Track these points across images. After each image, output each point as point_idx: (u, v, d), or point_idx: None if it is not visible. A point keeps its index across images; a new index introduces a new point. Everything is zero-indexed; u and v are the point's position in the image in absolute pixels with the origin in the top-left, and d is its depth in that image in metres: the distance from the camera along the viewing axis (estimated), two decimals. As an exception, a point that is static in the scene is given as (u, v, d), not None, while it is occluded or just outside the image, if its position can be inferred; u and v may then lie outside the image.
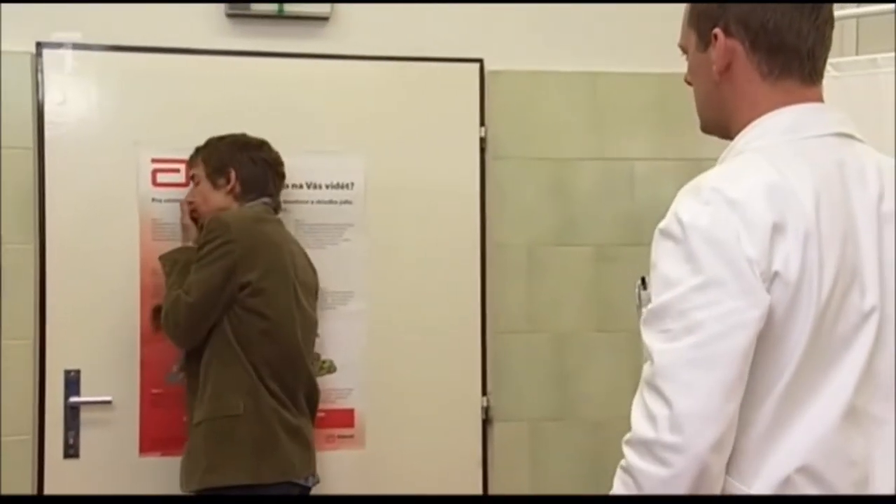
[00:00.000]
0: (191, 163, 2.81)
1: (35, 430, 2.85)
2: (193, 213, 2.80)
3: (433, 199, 3.11)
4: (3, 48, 2.84)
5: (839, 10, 2.68)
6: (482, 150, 3.15)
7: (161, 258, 2.76)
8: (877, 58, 2.54)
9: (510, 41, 3.18)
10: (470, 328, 3.13)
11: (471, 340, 3.13)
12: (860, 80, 2.52)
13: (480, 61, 3.14)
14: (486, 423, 3.14)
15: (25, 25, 2.88)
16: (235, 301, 2.59)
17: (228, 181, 2.74)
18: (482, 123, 3.14)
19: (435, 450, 3.09)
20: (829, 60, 2.70)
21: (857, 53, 2.97)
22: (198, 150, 2.80)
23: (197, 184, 2.77)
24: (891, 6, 2.55)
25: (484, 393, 3.14)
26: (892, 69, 2.49)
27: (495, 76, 3.16)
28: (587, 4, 3.19)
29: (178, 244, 2.84)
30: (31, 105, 2.88)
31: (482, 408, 3.13)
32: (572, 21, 3.20)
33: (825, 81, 2.73)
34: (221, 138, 2.79)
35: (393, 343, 3.08)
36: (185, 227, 2.84)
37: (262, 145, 2.81)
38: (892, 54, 2.51)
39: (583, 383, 3.18)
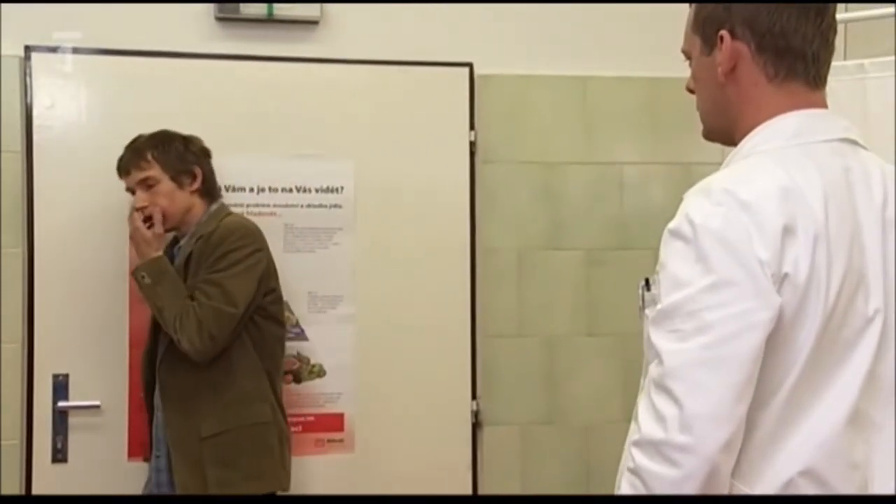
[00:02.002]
0: (136, 166, 2.63)
1: (23, 434, 2.85)
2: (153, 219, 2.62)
3: (423, 202, 3.11)
4: (-9, 52, 2.85)
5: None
6: (472, 154, 3.15)
7: (140, 269, 2.57)
8: (864, 63, 2.54)
9: (500, 45, 3.18)
10: (460, 332, 3.13)
11: (461, 344, 3.13)
12: (847, 84, 2.52)
13: (470, 65, 3.14)
14: (476, 426, 3.14)
15: (14, 29, 2.87)
16: (258, 308, 2.60)
17: (195, 180, 2.68)
18: (472, 127, 3.15)
19: (425, 453, 3.09)
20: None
21: (844, 58, 2.98)
22: (136, 152, 2.63)
23: (151, 186, 2.62)
24: (879, 11, 2.56)
25: (474, 397, 3.14)
26: (880, 74, 2.49)
27: (485, 80, 3.16)
28: (577, 8, 3.19)
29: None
30: (19, 108, 2.88)
31: (472, 412, 3.13)
32: (562, 25, 3.21)
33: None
34: (164, 137, 2.66)
35: (382, 347, 3.08)
36: (156, 237, 2.60)
37: (199, 140, 2.74)
38: (880, 59, 2.52)
39: (573, 387, 3.18)
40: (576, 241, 3.20)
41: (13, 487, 2.82)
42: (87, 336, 2.88)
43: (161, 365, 2.60)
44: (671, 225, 1.29)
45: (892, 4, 2.52)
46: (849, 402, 1.26)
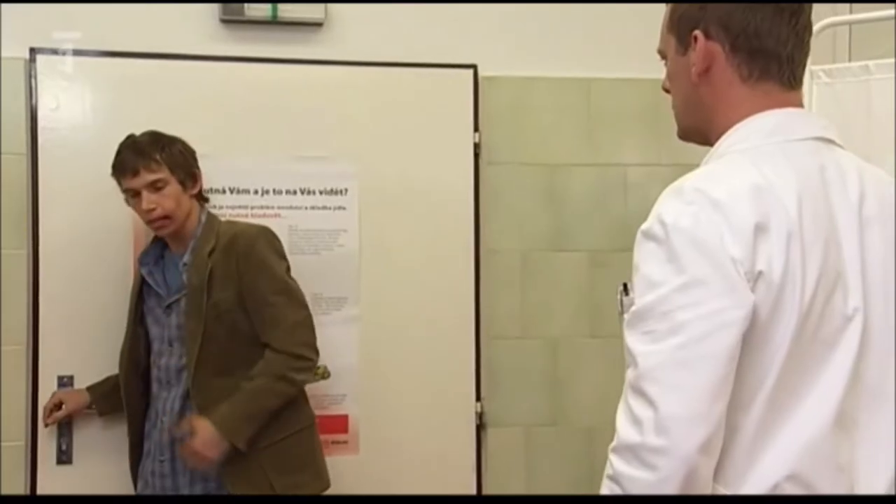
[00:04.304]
0: (147, 168, 2.57)
1: (28, 436, 2.85)
2: (166, 220, 2.60)
3: (427, 204, 3.11)
4: (-3, 54, 2.85)
5: (832, 17, 2.70)
6: (476, 156, 3.15)
7: (237, 440, 2.48)
8: (869, 64, 2.55)
9: (504, 47, 3.19)
10: (464, 333, 3.13)
11: (465, 346, 3.13)
12: (852, 86, 2.53)
13: (474, 67, 3.15)
14: (480, 428, 3.14)
15: (19, 31, 2.88)
16: None
17: (195, 183, 2.68)
18: (476, 129, 3.15)
19: (429, 455, 3.09)
20: (822, 67, 2.72)
21: (849, 60, 2.98)
22: (142, 153, 2.58)
23: (160, 189, 2.58)
24: (883, 13, 2.56)
25: (478, 398, 3.14)
26: (884, 76, 2.50)
27: (489, 82, 3.16)
28: (580, 10, 3.20)
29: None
30: (24, 111, 2.88)
31: (476, 413, 3.14)
32: (566, 27, 3.21)
33: (817, 88, 2.75)
34: (164, 138, 2.64)
35: (387, 348, 3.08)
36: (210, 444, 2.50)
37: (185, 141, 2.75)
38: (885, 61, 2.52)
39: (576, 389, 3.18)
40: (579, 243, 3.21)
41: (18, 489, 2.82)
42: (92, 338, 2.88)
43: (194, 383, 2.56)
44: (644, 226, 1.29)
45: (894, 5, 2.52)
46: (833, 403, 1.25)
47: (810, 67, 2.57)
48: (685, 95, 1.44)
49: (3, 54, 2.86)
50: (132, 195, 2.62)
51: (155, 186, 2.59)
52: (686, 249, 1.22)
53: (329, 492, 2.97)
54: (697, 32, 1.38)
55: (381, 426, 3.06)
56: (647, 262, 1.26)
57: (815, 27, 2.56)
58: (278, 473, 2.58)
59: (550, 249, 3.20)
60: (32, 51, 2.89)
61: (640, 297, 1.24)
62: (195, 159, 2.70)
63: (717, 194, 1.24)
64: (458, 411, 3.13)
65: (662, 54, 1.48)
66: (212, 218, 2.71)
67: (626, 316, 1.30)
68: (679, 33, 1.42)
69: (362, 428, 3.06)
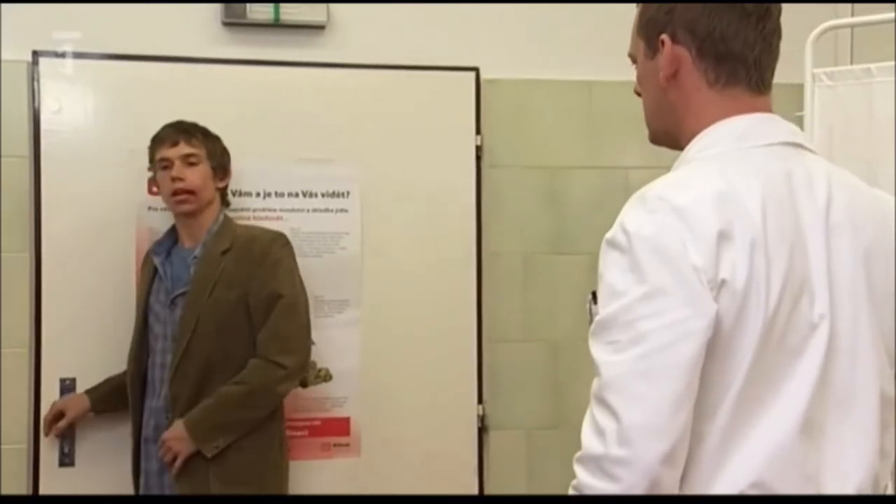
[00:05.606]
0: (187, 141, 2.68)
1: (30, 438, 2.85)
2: (190, 195, 2.65)
3: (429, 207, 3.11)
4: (-1, 57, 2.85)
5: (834, 20, 2.70)
6: (478, 159, 3.16)
7: (208, 445, 2.52)
8: (870, 67, 2.55)
9: (506, 50, 3.19)
10: (465, 336, 3.13)
11: (466, 349, 3.13)
12: (854, 89, 2.53)
13: (476, 70, 3.15)
14: (482, 431, 3.14)
15: (22, 34, 2.88)
16: None
17: (225, 177, 2.76)
18: (478, 132, 3.15)
19: (431, 458, 3.09)
20: (824, 70, 2.72)
21: (851, 63, 2.98)
22: (185, 130, 2.69)
23: (192, 165, 2.66)
24: (885, 16, 2.56)
25: (480, 401, 3.14)
26: (886, 79, 2.50)
27: (491, 84, 3.17)
28: (582, 12, 3.20)
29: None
30: (27, 114, 2.89)
31: (478, 416, 3.14)
32: (568, 29, 3.22)
33: (819, 90, 2.75)
34: (209, 131, 2.75)
35: (388, 351, 3.08)
36: (179, 438, 2.56)
37: None
38: (887, 63, 2.53)
39: (578, 392, 3.14)
40: (581, 246, 3.20)
41: (20, 491, 2.82)
42: (94, 340, 2.88)
43: (176, 373, 2.59)
44: (608, 235, 1.27)
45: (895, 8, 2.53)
46: (799, 410, 1.23)
47: (812, 70, 2.58)
48: (654, 99, 1.43)
49: (5, 57, 2.86)
50: (163, 167, 2.67)
51: (188, 161, 2.66)
52: (648, 258, 1.20)
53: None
54: (664, 37, 1.36)
55: (382, 429, 3.06)
56: (611, 271, 1.24)
57: (817, 30, 2.59)
58: (223, 484, 2.53)
59: (552, 252, 3.20)
60: (35, 53, 2.89)
61: (604, 307, 1.23)
62: (229, 160, 2.78)
63: (680, 202, 1.22)
64: (460, 414, 3.13)
65: (633, 58, 1.46)
66: (229, 220, 2.75)
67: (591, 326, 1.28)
68: (647, 37, 1.40)
69: (364, 431, 3.05)
